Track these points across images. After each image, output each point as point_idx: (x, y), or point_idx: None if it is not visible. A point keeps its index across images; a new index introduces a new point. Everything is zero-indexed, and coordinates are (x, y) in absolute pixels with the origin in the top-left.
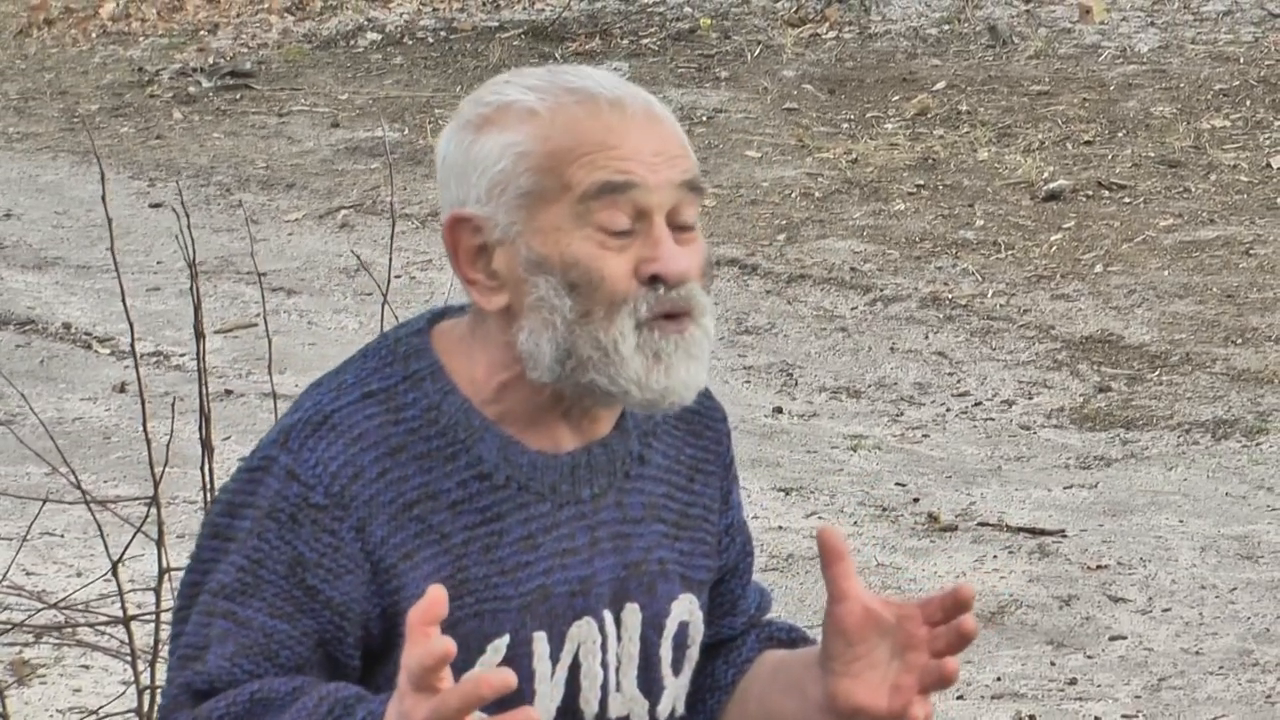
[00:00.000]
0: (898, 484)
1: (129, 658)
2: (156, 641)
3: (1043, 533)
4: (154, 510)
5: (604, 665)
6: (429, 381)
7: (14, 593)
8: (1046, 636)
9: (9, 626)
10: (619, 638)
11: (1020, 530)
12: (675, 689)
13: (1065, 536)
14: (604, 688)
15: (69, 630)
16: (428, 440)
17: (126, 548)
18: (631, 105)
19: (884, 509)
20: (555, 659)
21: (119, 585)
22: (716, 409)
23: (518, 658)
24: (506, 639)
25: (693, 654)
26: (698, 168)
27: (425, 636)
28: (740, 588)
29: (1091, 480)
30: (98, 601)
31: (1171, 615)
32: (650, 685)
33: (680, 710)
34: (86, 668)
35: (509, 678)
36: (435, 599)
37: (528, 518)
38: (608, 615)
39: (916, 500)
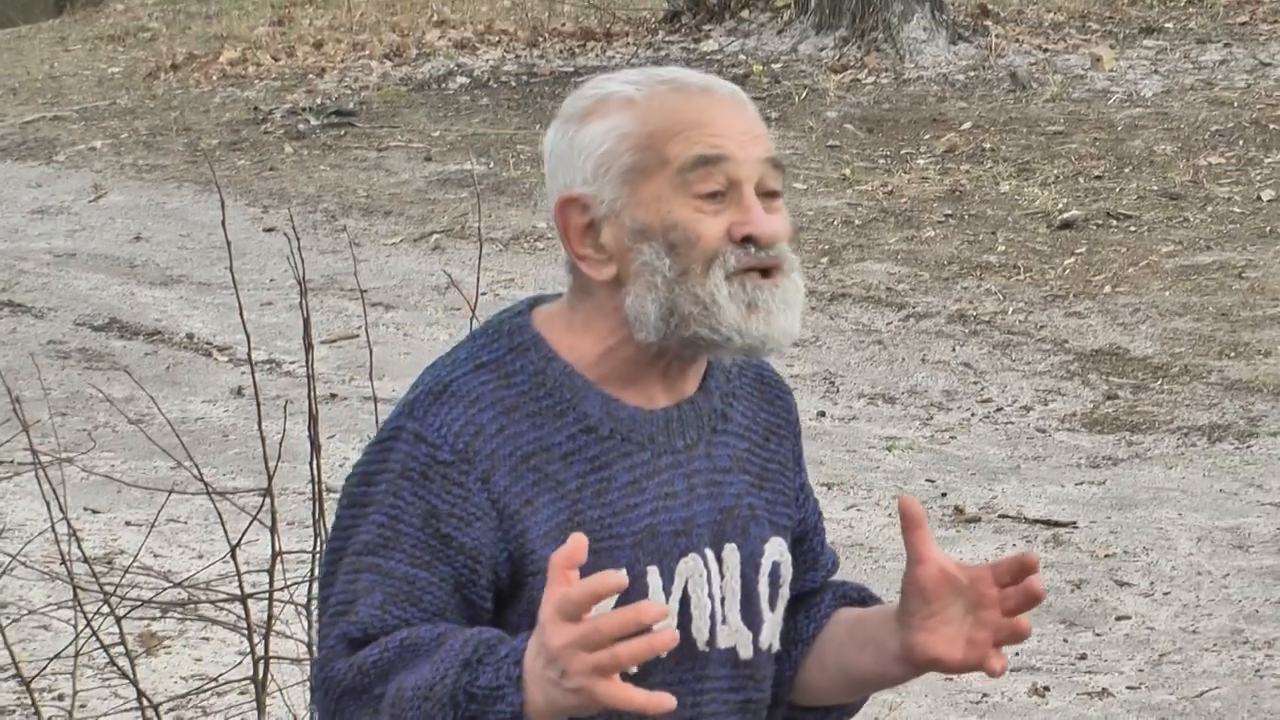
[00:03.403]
0: (928, 480)
1: (245, 631)
2: (270, 617)
3: (1057, 524)
4: (268, 500)
5: (710, 597)
6: (533, 351)
7: (143, 573)
8: (1060, 616)
9: (139, 603)
10: (721, 575)
11: (1036, 522)
12: (772, 623)
13: (1077, 528)
14: (712, 618)
15: (191, 606)
16: (537, 400)
17: (244, 534)
18: (720, 91)
19: None
20: (667, 591)
21: (236, 567)
22: (783, 384)
23: (635, 590)
24: (623, 573)
25: (785, 592)
26: (776, 149)
27: (566, 578)
28: (820, 544)
29: (1100, 478)
30: (217, 581)
31: (1171, 598)
32: (752, 618)
33: (776, 645)
34: (206, 639)
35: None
36: (577, 545)
37: (632, 465)
38: (709, 554)
39: (944, 495)
